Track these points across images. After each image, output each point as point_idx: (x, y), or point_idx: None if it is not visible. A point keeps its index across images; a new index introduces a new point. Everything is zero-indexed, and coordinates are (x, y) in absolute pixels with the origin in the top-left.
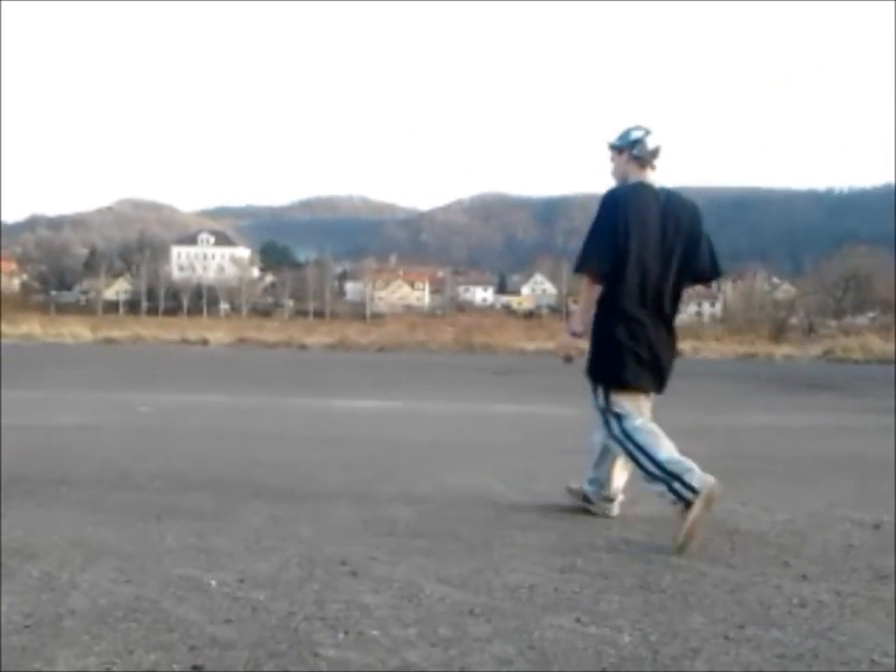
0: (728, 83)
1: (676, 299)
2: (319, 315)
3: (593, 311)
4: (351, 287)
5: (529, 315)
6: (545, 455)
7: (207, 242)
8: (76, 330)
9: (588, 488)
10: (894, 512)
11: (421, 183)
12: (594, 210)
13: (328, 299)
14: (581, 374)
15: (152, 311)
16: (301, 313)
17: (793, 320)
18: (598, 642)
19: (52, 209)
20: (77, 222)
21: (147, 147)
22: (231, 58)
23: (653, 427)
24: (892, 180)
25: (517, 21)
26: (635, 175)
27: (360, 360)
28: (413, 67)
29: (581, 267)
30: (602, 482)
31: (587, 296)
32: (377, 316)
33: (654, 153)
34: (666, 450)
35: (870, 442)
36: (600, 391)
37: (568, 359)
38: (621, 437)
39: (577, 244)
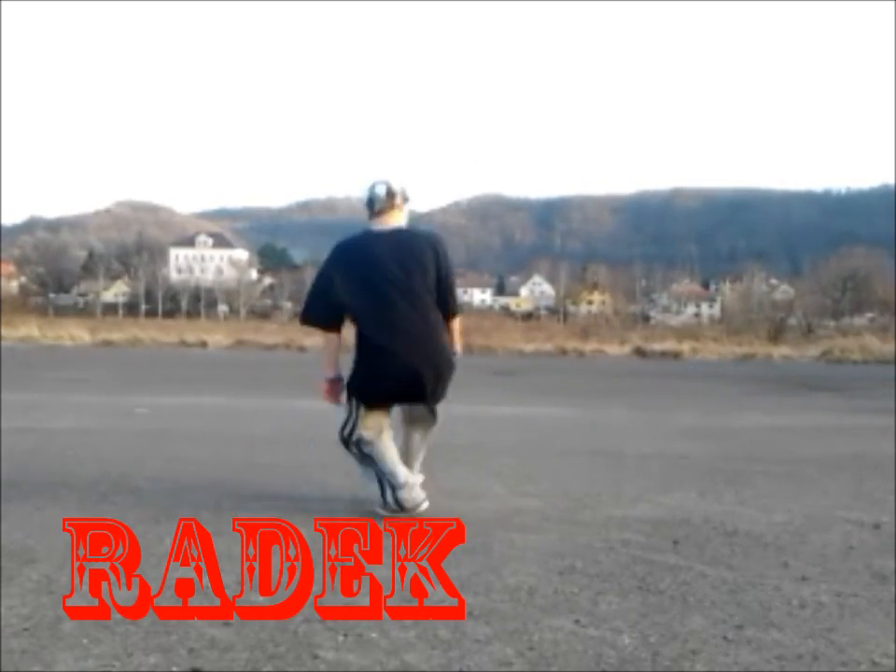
0: (726, 83)
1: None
2: None
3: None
4: None
5: (528, 316)
6: (544, 457)
7: (205, 244)
8: (74, 333)
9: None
10: (894, 513)
11: (419, 184)
12: (592, 212)
13: None
14: (580, 377)
15: (151, 313)
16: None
17: (792, 321)
18: (598, 644)
19: (50, 211)
20: (75, 224)
21: (145, 149)
22: (227, 59)
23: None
24: (890, 181)
25: (516, 20)
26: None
27: None
28: (412, 67)
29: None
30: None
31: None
32: None
33: None
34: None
35: (869, 443)
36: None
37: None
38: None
39: (575, 245)
